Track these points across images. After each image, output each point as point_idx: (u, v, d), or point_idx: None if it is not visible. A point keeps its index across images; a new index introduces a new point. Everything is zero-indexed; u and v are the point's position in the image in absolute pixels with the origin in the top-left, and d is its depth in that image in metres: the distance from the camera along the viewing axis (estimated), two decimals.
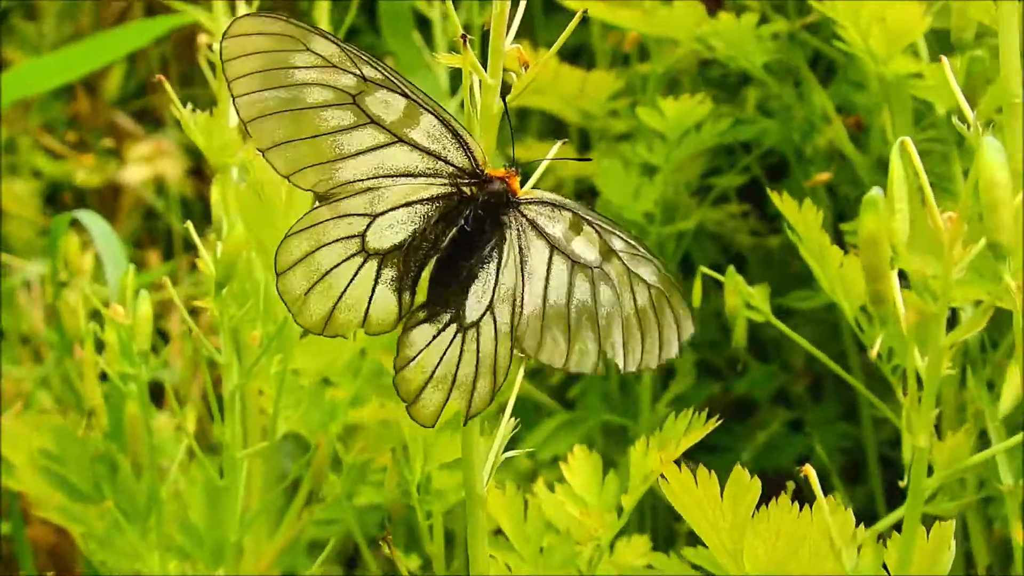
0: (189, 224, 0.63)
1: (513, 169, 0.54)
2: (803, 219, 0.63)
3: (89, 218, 0.90)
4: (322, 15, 0.97)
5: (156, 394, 0.92)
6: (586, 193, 1.13)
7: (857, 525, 0.50)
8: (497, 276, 0.54)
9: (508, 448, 1.00)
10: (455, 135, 0.54)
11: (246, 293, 0.63)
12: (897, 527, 0.52)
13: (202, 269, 0.64)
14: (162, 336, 1.39)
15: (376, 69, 0.53)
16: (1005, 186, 0.41)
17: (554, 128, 1.19)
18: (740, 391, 1.02)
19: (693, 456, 1.01)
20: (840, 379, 0.90)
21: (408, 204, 0.54)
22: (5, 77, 1.15)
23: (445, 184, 0.54)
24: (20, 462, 0.77)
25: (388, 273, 0.54)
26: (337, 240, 0.54)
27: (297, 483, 0.76)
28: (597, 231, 0.54)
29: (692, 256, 1.09)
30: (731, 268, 0.71)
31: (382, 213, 0.54)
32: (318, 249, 0.54)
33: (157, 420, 1.01)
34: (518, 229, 0.54)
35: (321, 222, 0.53)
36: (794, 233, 0.66)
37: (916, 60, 0.75)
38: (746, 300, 0.71)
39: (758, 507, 0.53)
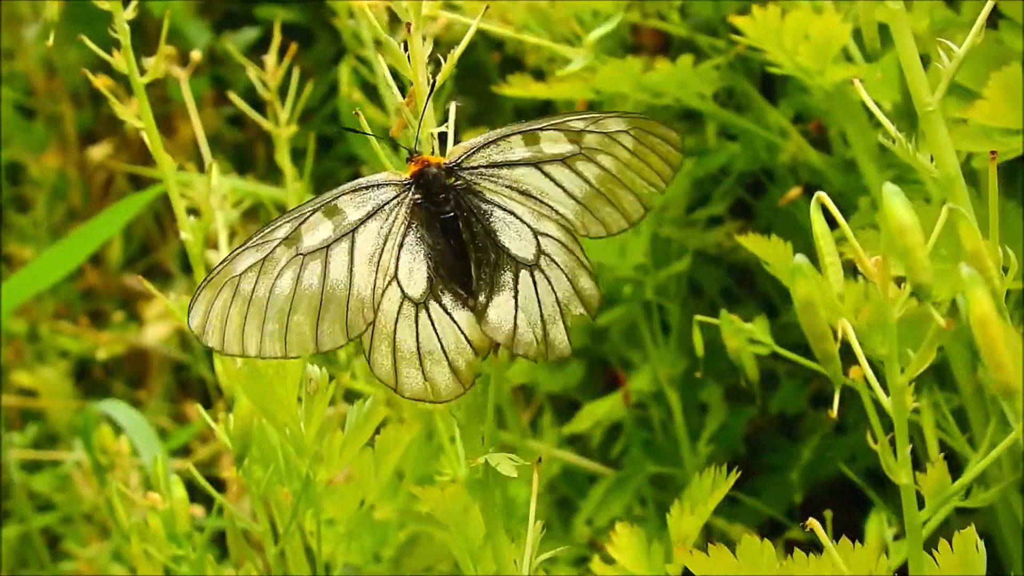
0: (202, 412, 0.65)
1: (416, 155, 0.58)
2: (774, 253, 0.65)
3: (115, 408, 0.93)
4: (282, 147, 0.99)
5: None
6: None
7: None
8: (514, 215, 0.59)
9: (564, 519, 1.02)
10: (368, 187, 0.58)
11: (267, 457, 0.64)
12: (937, 534, 0.53)
13: (220, 440, 0.67)
14: (217, 484, 1.41)
15: (280, 224, 0.57)
16: (914, 229, 0.43)
17: None
18: (775, 409, 1.02)
19: (746, 483, 1.02)
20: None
21: (401, 248, 0.58)
22: (14, 278, 1.18)
23: (401, 209, 0.58)
24: None
25: (447, 299, 0.58)
26: (398, 319, 0.58)
27: None
28: (554, 130, 0.59)
29: (700, 283, 1.10)
30: (724, 312, 0.72)
31: (396, 273, 0.58)
32: (396, 337, 0.58)
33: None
34: (483, 176, 0.59)
35: (378, 321, 0.58)
36: (769, 266, 0.67)
37: (849, 65, 0.77)
38: (749, 337, 0.72)
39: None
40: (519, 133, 0.59)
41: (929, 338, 0.45)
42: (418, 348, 0.58)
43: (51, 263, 1.20)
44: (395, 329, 0.58)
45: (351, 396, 1.00)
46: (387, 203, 0.58)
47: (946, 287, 0.57)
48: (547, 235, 0.59)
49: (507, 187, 0.59)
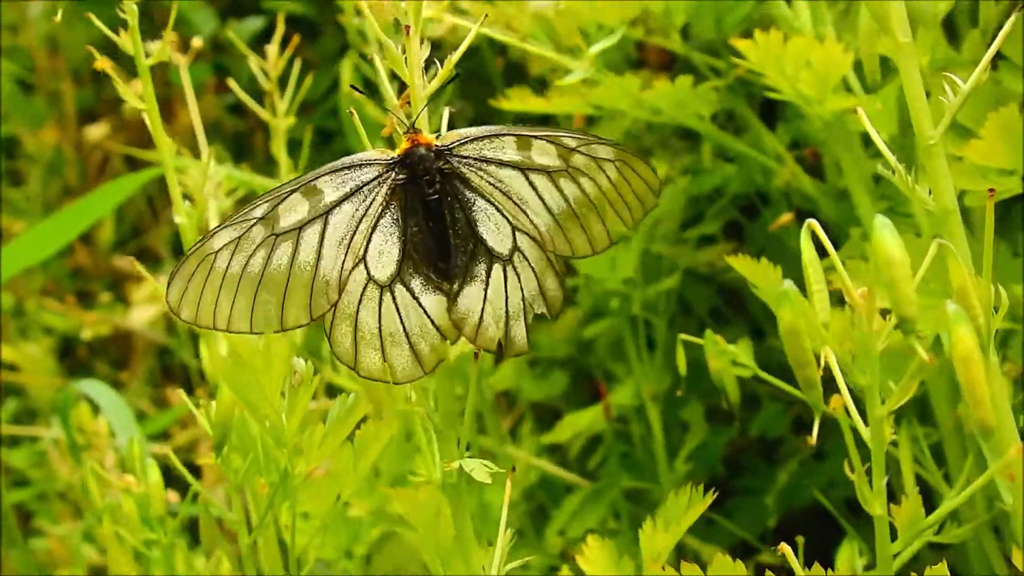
0: (184, 397, 0.65)
1: (414, 132, 0.58)
2: (763, 277, 0.65)
3: (95, 388, 0.93)
4: (279, 138, 0.98)
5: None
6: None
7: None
8: (496, 208, 0.59)
9: (538, 530, 1.02)
10: (351, 166, 0.59)
11: (246, 447, 0.65)
12: (908, 568, 0.53)
13: (201, 427, 0.67)
14: (194, 471, 1.41)
15: (259, 204, 0.58)
16: (902, 262, 0.43)
17: None
18: (756, 432, 1.02)
19: (722, 504, 1.02)
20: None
21: (374, 229, 0.59)
22: (3, 251, 1.18)
23: (381, 190, 0.59)
24: None
25: (416, 283, 0.59)
26: (362, 300, 0.59)
27: None
28: (548, 141, 0.59)
29: (689, 302, 1.11)
30: (709, 331, 0.73)
31: (365, 255, 0.59)
32: (358, 317, 0.59)
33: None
34: (472, 169, 0.59)
35: (341, 301, 0.59)
36: (757, 289, 0.67)
37: (848, 95, 0.77)
38: (732, 359, 0.72)
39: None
40: (515, 135, 0.59)
41: (911, 371, 0.45)
42: (379, 330, 0.59)
43: (42, 238, 1.20)
44: (358, 309, 0.59)
45: (332, 391, 1.01)
46: (367, 184, 0.59)
47: (932, 321, 0.58)
48: (524, 232, 0.59)
49: (490, 184, 0.59)
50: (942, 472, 0.70)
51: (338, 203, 0.58)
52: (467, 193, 0.59)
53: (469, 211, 0.59)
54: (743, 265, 0.66)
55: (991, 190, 0.50)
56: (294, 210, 0.58)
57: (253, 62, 0.96)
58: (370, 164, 0.59)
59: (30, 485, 1.44)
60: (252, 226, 0.58)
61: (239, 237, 0.58)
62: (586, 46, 0.92)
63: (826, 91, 0.75)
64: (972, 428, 0.43)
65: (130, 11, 0.68)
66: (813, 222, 0.47)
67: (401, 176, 0.58)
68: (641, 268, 0.97)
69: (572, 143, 0.59)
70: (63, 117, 1.86)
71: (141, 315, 1.69)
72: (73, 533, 1.36)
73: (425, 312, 0.59)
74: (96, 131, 1.81)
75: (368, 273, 0.59)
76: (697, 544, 0.95)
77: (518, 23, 1.04)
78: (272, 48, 0.95)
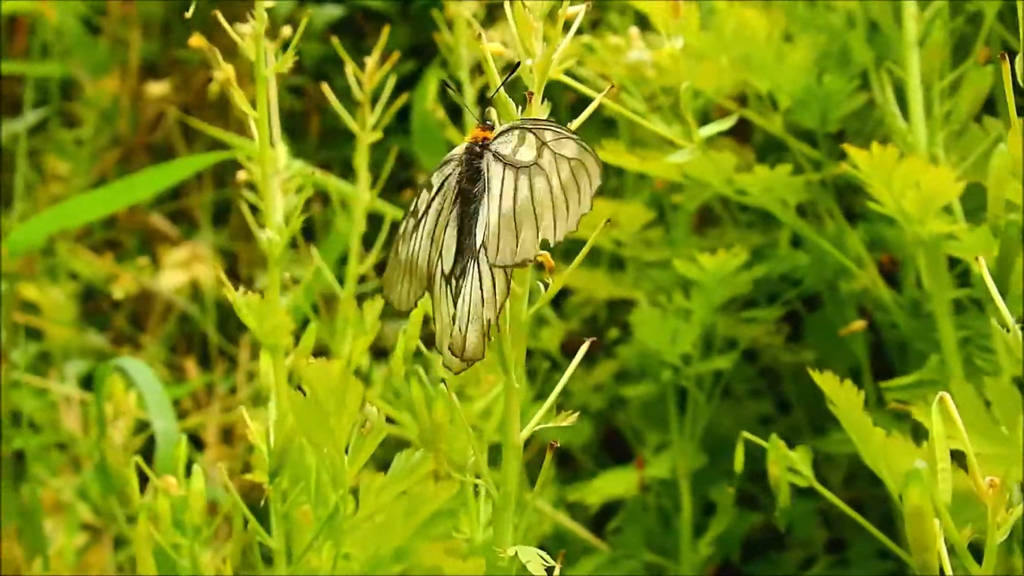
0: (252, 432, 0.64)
1: (485, 125, 0.57)
2: (844, 397, 0.64)
3: (133, 366, 0.92)
4: (363, 150, 0.97)
5: None
6: (620, 319, 1.14)
7: None
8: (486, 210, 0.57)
9: None
10: (447, 161, 0.59)
11: (298, 475, 0.64)
12: None
13: (254, 444, 0.66)
14: (197, 444, 1.41)
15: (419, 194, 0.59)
16: None
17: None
18: (782, 524, 1.01)
19: None
20: (880, 496, 0.90)
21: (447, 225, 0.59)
22: (58, 209, 1.18)
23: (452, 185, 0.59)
24: None
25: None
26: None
27: None
28: (535, 134, 0.55)
29: (730, 379, 1.10)
30: (774, 436, 0.71)
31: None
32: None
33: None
34: (492, 164, 0.56)
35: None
36: (835, 407, 0.66)
37: (950, 219, 0.76)
38: (790, 466, 0.71)
39: None
40: (525, 129, 0.56)
41: None
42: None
43: (86, 206, 1.20)
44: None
45: None
46: (447, 177, 0.58)
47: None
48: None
49: (489, 180, 0.57)
50: None
51: (433, 197, 0.59)
52: (477, 190, 0.57)
53: (477, 209, 0.57)
54: (827, 384, 0.65)
55: None
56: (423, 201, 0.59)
57: (349, 70, 0.95)
58: (452, 157, 0.59)
59: (36, 431, 1.43)
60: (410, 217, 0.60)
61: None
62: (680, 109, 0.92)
63: (929, 213, 0.74)
64: None
65: (259, 16, 0.68)
66: (946, 397, 0.46)
67: (459, 170, 0.58)
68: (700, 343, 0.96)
69: (550, 136, 0.55)
70: (125, 67, 1.85)
71: (170, 279, 1.68)
72: (66, 487, 1.36)
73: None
74: (157, 88, 1.81)
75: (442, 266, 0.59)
76: None
77: (610, 70, 1.03)
78: (370, 61, 0.95)
